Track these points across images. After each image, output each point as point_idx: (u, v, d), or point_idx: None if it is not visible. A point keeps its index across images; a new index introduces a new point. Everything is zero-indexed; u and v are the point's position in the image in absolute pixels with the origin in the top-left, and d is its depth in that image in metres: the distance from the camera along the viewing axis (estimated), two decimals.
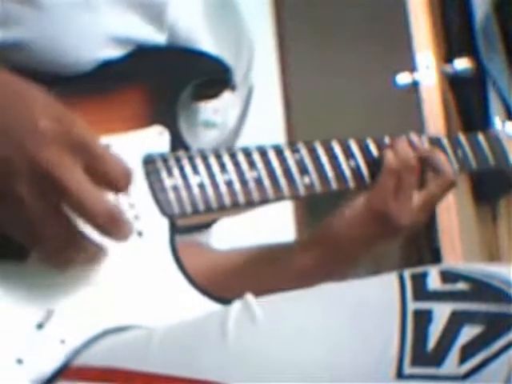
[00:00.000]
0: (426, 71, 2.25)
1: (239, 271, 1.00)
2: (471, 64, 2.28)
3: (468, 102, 2.31)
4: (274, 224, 2.17)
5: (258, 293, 0.78)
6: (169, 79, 0.91)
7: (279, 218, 2.28)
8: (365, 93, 3.32)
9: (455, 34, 2.33)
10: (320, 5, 3.30)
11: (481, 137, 1.05)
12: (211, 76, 0.94)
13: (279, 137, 2.49)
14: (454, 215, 2.17)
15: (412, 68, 2.29)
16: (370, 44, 3.33)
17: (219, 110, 1.00)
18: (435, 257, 2.47)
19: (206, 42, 0.99)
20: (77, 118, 0.74)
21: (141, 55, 0.91)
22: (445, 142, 1.02)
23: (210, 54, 0.95)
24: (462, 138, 1.04)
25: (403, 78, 2.32)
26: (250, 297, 0.75)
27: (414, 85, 2.29)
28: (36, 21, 0.86)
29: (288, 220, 2.51)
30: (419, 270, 0.71)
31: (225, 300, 0.80)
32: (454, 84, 2.29)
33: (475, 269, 0.69)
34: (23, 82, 0.74)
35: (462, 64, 2.28)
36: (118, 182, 0.74)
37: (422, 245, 3.12)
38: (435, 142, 1.01)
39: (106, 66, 0.88)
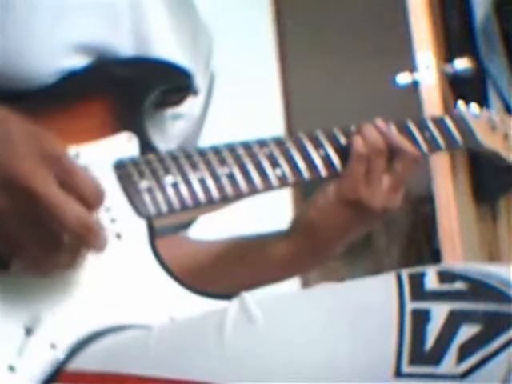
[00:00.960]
0: (426, 71, 2.25)
1: (219, 262, 1.00)
2: (471, 64, 2.27)
3: (468, 101, 2.31)
4: (272, 218, 2.17)
5: (240, 283, 0.78)
6: (132, 87, 0.92)
7: (277, 212, 2.28)
8: (365, 93, 3.32)
9: (455, 34, 2.33)
10: (320, 5, 3.30)
11: (447, 118, 1.07)
12: (174, 83, 0.95)
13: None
14: (454, 215, 2.17)
15: (412, 68, 2.28)
16: (370, 44, 3.33)
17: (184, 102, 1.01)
18: (435, 257, 2.47)
19: (168, 37, 0.99)
20: (46, 133, 0.75)
21: (102, 65, 0.92)
22: (411, 125, 1.03)
23: (170, 62, 0.96)
24: (428, 120, 1.06)
25: (403, 78, 2.32)
26: (247, 297, 0.75)
27: (414, 85, 2.29)
28: None
29: (287, 214, 2.51)
30: (417, 269, 0.71)
31: (210, 294, 0.80)
32: (454, 84, 2.29)
33: (473, 268, 0.69)
34: None
35: (462, 64, 2.28)
36: (90, 197, 0.75)
37: (421, 245, 3.12)
38: (402, 126, 1.03)
39: (69, 77, 0.89)
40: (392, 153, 0.98)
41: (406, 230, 3.22)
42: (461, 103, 1.17)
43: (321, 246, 0.99)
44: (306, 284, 2.24)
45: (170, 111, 0.99)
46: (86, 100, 0.90)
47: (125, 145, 0.88)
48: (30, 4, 0.88)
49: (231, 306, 0.75)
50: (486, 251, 2.30)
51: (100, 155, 0.86)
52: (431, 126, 1.05)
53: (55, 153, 0.74)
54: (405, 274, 0.71)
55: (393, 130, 1.00)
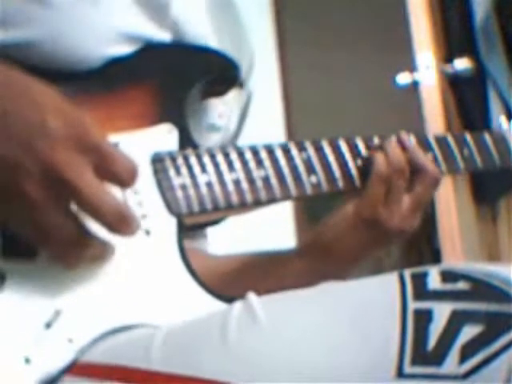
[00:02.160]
0: (426, 71, 2.25)
1: (235, 277, 0.99)
2: (471, 64, 2.27)
3: (468, 101, 2.31)
4: (275, 230, 2.17)
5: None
6: (177, 77, 0.91)
7: (279, 223, 2.28)
8: (365, 93, 3.32)
9: (455, 34, 2.33)
10: (320, 5, 3.30)
11: (487, 136, 1.05)
12: (220, 73, 0.94)
13: (279, 137, 2.49)
14: (454, 215, 2.17)
15: (412, 68, 2.28)
16: (370, 44, 3.33)
17: (223, 115, 1.00)
18: (435, 257, 2.47)
19: (210, 39, 0.99)
20: (86, 118, 0.74)
21: (149, 52, 0.91)
22: (451, 140, 1.01)
23: (218, 51, 0.95)
24: (468, 136, 1.03)
25: (403, 78, 2.32)
26: (251, 296, 0.75)
27: (414, 85, 2.29)
28: (43, 19, 0.86)
29: (288, 226, 2.51)
30: (419, 269, 0.71)
31: (230, 299, 0.80)
32: (454, 84, 2.29)
33: (475, 268, 0.69)
34: (30, 78, 0.74)
35: (462, 64, 2.28)
36: (125, 178, 0.75)
37: (422, 245, 3.12)
38: (441, 141, 1.01)
39: (115, 63, 0.88)
40: (414, 172, 0.95)
41: None
42: (503, 119, 1.14)
43: (335, 264, 0.97)
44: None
45: (208, 122, 0.98)
46: (131, 87, 0.89)
47: (165, 137, 0.87)
48: None
49: (235, 306, 0.75)
50: (486, 251, 2.31)
51: (139, 146, 0.85)
52: (470, 142, 1.03)
53: (95, 141, 0.73)
54: (407, 273, 0.71)
55: (414, 144, 0.97)
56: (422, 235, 3.06)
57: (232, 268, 1.00)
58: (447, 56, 2.30)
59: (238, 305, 0.75)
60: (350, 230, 0.95)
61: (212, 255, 1.08)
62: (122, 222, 0.74)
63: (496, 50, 2.30)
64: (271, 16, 2.64)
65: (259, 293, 0.80)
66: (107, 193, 0.73)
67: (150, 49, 0.91)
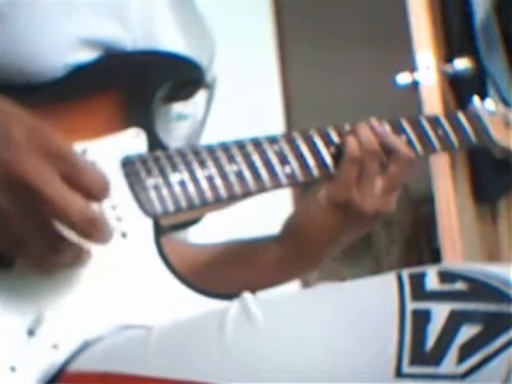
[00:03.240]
0: (426, 71, 2.25)
1: (214, 265, 1.00)
2: (471, 64, 2.27)
3: (468, 102, 2.31)
4: (273, 223, 2.17)
5: (235, 287, 0.78)
6: (142, 82, 0.91)
7: (278, 213, 2.27)
8: (365, 93, 3.32)
9: (455, 34, 2.33)
10: (320, 5, 3.30)
11: (461, 115, 1.06)
12: (184, 77, 0.94)
13: None
14: (453, 215, 2.17)
15: (412, 68, 2.28)
16: (370, 44, 3.33)
17: (189, 103, 1.00)
18: (435, 257, 2.47)
19: (174, 36, 0.99)
20: (50, 128, 0.74)
21: (112, 59, 0.91)
22: (425, 122, 1.02)
23: (181, 55, 0.95)
24: (441, 117, 1.04)
25: (403, 78, 2.31)
26: (248, 297, 0.75)
27: (414, 85, 2.28)
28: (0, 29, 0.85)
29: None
30: (418, 270, 0.71)
31: (214, 294, 0.80)
32: (454, 84, 2.29)
33: (474, 268, 0.69)
34: None
35: (462, 64, 2.27)
36: (94, 191, 0.75)
37: (421, 245, 3.12)
38: (415, 123, 1.01)
39: (77, 71, 0.88)
40: (387, 154, 0.96)
41: (406, 230, 3.22)
42: (476, 99, 1.15)
43: (312, 249, 0.97)
44: (306, 284, 2.23)
45: (175, 111, 0.98)
46: (95, 94, 0.89)
47: (133, 141, 0.88)
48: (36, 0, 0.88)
49: (232, 306, 0.75)
50: (486, 251, 2.30)
51: (108, 152, 0.85)
52: (444, 122, 1.04)
53: (58, 149, 0.73)
54: (405, 273, 0.70)
55: (387, 128, 0.99)
56: (422, 235, 3.06)
57: (207, 257, 1.00)
58: (447, 56, 2.30)
59: (234, 306, 0.74)
60: (322, 213, 0.95)
61: (191, 244, 1.07)
62: (92, 227, 0.73)
63: (496, 50, 2.29)
64: (271, 16, 2.64)
65: (232, 283, 0.80)
66: (75, 198, 0.73)
67: (112, 55, 0.91)
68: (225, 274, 0.99)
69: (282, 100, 2.59)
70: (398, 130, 1.00)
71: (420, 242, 3.12)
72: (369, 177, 0.94)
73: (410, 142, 1.00)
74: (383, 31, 3.21)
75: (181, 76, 0.94)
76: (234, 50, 2.14)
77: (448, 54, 2.31)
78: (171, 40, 0.98)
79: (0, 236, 0.72)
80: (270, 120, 2.44)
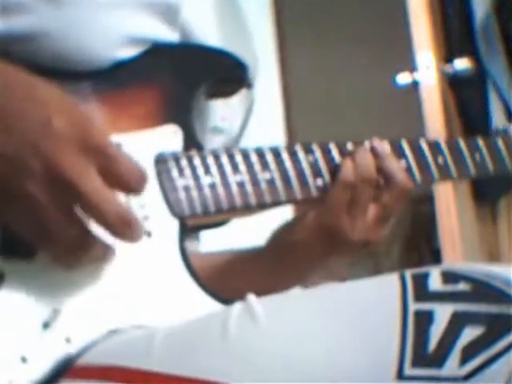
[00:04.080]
0: (426, 71, 2.25)
1: (209, 276, 0.99)
2: (471, 64, 2.27)
3: (468, 102, 2.31)
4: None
5: (235, 294, 0.78)
6: (184, 77, 0.90)
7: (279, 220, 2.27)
8: (365, 93, 3.32)
9: (455, 34, 2.33)
10: (320, 5, 3.30)
11: (500, 141, 1.03)
12: (227, 73, 0.93)
13: (279, 137, 2.49)
14: (454, 215, 2.17)
15: (412, 68, 2.28)
16: (370, 44, 3.32)
17: (227, 118, 1.00)
18: (435, 257, 2.47)
19: (217, 42, 0.98)
20: (91, 119, 0.74)
21: (156, 53, 0.90)
22: (462, 144, 0.99)
23: (226, 52, 0.94)
24: (480, 141, 1.01)
25: (403, 78, 2.32)
26: (251, 297, 0.75)
27: (414, 85, 2.29)
28: (51, 13, 0.85)
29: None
30: (420, 270, 0.71)
31: (229, 301, 0.80)
32: (454, 84, 2.29)
33: (476, 269, 0.69)
34: (34, 78, 0.74)
35: (462, 64, 2.27)
36: (132, 184, 0.74)
37: (422, 245, 3.11)
38: (453, 145, 0.98)
39: (121, 64, 0.88)
40: (384, 180, 0.92)
41: (405, 230, 3.22)
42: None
43: (293, 268, 0.95)
44: (306, 285, 2.23)
45: (212, 124, 0.98)
46: (137, 87, 0.88)
47: (169, 138, 0.87)
48: None
49: (235, 306, 0.75)
50: (486, 251, 2.30)
51: (142, 146, 0.84)
52: (482, 146, 1.00)
53: (98, 141, 0.73)
54: (408, 274, 0.70)
55: (387, 150, 0.94)
56: (422, 235, 3.05)
57: (212, 267, 1.00)
58: (447, 56, 2.30)
59: (237, 305, 0.75)
60: (309, 236, 0.92)
61: (202, 254, 1.07)
62: (125, 227, 0.73)
63: (496, 50, 2.29)
64: (271, 16, 2.64)
65: (242, 291, 0.80)
66: (111, 195, 0.72)
67: (156, 49, 0.90)
68: (226, 281, 0.98)
69: (281, 100, 2.59)
70: (398, 153, 0.95)
71: (420, 242, 3.12)
72: (361, 204, 0.90)
73: (409, 168, 0.95)
74: (383, 31, 3.21)
75: (224, 72, 0.93)
76: None
77: (448, 54, 2.31)
78: (210, 40, 0.97)
79: (28, 225, 0.72)
80: (270, 120, 2.44)
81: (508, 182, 2.01)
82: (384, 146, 0.94)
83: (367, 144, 0.94)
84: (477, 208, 2.30)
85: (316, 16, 3.37)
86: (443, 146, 0.99)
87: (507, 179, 1.81)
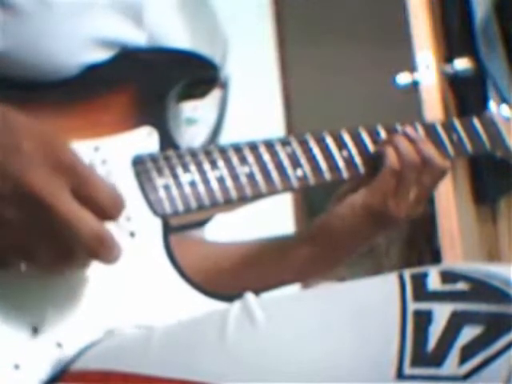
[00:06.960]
0: (426, 71, 2.25)
1: (236, 265, 1.00)
2: (471, 64, 2.27)
3: (468, 101, 2.31)
4: (274, 222, 2.17)
5: (258, 286, 0.78)
6: (156, 80, 0.91)
7: (278, 216, 2.28)
8: (365, 93, 3.32)
9: (455, 34, 2.33)
10: (320, 5, 3.30)
11: (476, 120, 1.06)
12: (198, 75, 0.94)
13: (279, 136, 2.48)
14: (453, 215, 2.17)
15: (412, 68, 2.28)
16: (370, 44, 3.33)
17: (198, 107, 1.00)
18: (435, 257, 2.46)
19: (182, 36, 0.98)
20: (62, 140, 0.74)
21: (126, 57, 0.91)
22: (439, 128, 1.02)
23: (195, 53, 0.95)
24: (456, 122, 1.04)
25: (403, 78, 2.31)
26: (250, 297, 0.75)
27: (414, 85, 2.28)
28: (15, 27, 0.86)
29: (287, 218, 2.51)
30: (419, 270, 0.71)
31: (220, 296, 0.80)
32: (454, 84, 2.29)
33: (475, 269, 0.69)
34: (0, 105, 0.73)
35: (462, 64, 2.27)
36: (108, 208, 0.73)
37: (422, 245, 3.11)
38: (430, 129, 1.02)
39: (92, 69, 0.88)
40: (423, 164, 0.97)
41: (405, 230, 3.22)
42: (492, 104, 1.14)
43: (339, 252, 1.00)
44: (306, 285, 2.24)
45: (185, 116, 0.98)
46: (109, 92, 0.89)
47: (145, 139, 0.87)
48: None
49: (233, 307, 0.74)
50: (486, 251, 2.30)
51: (119, 150, 0.85)
52: (459, 127, 1.04)
53: (70, 161, 0.72)
54: (407, 274, 0.70)
55: (421, 135, 1.00)
56: (422, 235, 3.06)
57: (228, 257, 1.01)
58: (447, 56, 2.30)
59: (236, 306, 0.74)
60: (356, 219, 0.97)
61: (208, 243, 1.07)
62: (100, 247, 0.72)
63: (496, 49, 2.29)
64: (271, 16, 2.64)
65: (255, 282, 0.80)
66: (85, 214, 0.72)
67: (126, 53, 0.91)
68: (251, 273, 0.99)
69: (282, 100, 2.59)
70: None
71: (420, 242, 3.12)
72: (406, 187, 0.96)
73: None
74: (383, 31, 3.21)
75: (195, 74, 0.94)
76: (233, 51, 2.14)
77: (448, 54, 2.31)
78: (178, 39, 0.98)
79: (6, 246, 0.72)
80: (270, 120, 2.44)
81: (508, 182, 2.01)
82: (415, 130, 1.00)
83: (399, 128, 0.99)
84: (477, 208, 2.30)
85: (316, 16, 3.37)
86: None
87: (507, 179, 1.80)
